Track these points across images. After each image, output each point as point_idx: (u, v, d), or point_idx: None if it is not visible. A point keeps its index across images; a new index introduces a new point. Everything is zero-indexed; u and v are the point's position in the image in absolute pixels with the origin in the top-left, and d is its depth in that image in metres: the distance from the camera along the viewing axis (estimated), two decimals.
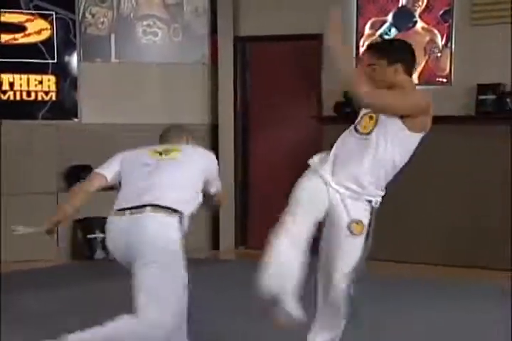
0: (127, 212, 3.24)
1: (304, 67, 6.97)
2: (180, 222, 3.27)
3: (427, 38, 6.41)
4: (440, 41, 6.36)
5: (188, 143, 3.71)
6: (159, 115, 7.01)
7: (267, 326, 3.45)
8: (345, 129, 3.42)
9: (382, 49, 3.32)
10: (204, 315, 4.30)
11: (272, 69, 7.10)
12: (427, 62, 6.42)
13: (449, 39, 6.32)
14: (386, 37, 6.59)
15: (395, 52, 3.29)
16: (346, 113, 6.51)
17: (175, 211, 3.25)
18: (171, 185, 3.35)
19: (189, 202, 3.35)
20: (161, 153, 3.51)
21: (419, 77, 6.43)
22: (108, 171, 3.52)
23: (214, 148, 7.16)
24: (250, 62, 7.19)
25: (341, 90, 6.51)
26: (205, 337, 3.85)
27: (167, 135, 3.77)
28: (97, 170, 3.54)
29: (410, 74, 3.34)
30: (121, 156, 3.57)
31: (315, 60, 6.81)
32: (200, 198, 3.44)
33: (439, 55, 6.35)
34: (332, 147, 3.36)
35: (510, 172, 6.08)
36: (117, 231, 3.27)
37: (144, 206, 3.23)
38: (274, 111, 7.06)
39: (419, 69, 6.44)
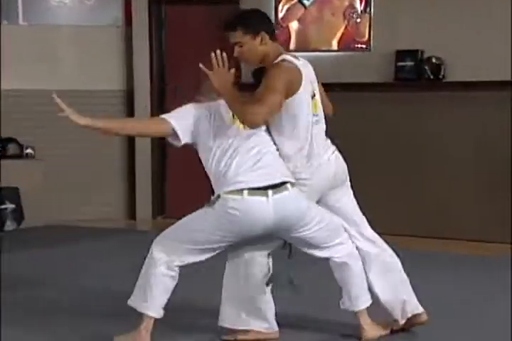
0: (270, 191, 3.09)
1: (221, 32, 6.80)
2: None
3: (346, 3, 6.32)
4: (359, 6, 6.28)
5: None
6: (71, 81, 6.76)
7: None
8: None
9: (241, 23, 3.28)
10: (118, 288, 4.18)
11: (188, 33, 6.92)
12: (346, 27, 6.34)
13: (367, 4, 6.25)
14: (305, 2, 6.48)
15: (254, 22, 3.29)
16: None
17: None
18: (274, 153, 3.25)
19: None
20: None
21: (338, 43, 6.36)
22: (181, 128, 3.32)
23: (130, 114, 6.97)
24: (166, 25, 6.98)
25: None
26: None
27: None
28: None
29: (275, 39, 3.33)
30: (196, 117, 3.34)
31: None
32: None
33: (358, 20, 6.27)
34: None
35: (434, 136, 6.08)
36: (264, 211, 3.10)
37: (283, 183, 3.14)
38: (190, 76, 6.88)
39: (338, 34, 6.37)
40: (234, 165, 3.14)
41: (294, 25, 6.52)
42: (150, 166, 6.96)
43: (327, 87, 3.60)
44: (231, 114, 3.25)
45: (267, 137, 3.28)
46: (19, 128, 6.63)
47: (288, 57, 3.29)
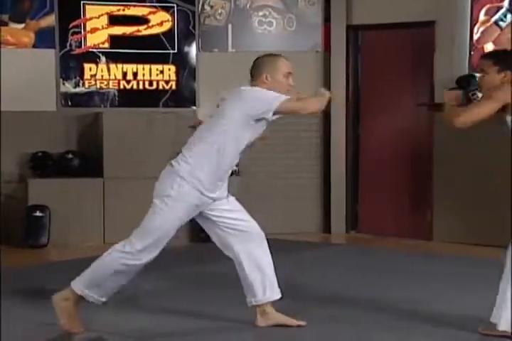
0: None
1: (415, 55, 7.01)
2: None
3: None
4: None
5: (266, 81, 3.79)
6: None
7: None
8: None
9: (496, 56, 3.70)
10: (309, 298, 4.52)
11: (383, 58, 7.17)
12: None
13: None
14: (501, 23, 6.54)
15: (507, 60, 3.65)
16: None
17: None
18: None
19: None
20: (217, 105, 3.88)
21: None
22: None
23: (326, 135, 7.35)
24: (362, 50, 7.29)
25: (454, 77, 6.55)
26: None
27: (251, 69, 3.91)
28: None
29: None
30: None
31: (427, 47, 6.85)
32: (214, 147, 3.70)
33: None
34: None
35: None
36: None
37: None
38: (384, 98, 7.16)
39: None
40: None
41: (489, 47, 6.60)
42: (345, 184, 7.28)
43: None
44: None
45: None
46: None
47: None
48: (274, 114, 3.68)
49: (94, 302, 3.75)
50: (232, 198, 3.87)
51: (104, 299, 3.76)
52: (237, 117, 3.67)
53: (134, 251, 3.65)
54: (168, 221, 3.68)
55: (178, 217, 3.69)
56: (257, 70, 3.83)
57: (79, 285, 3.72)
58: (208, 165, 3.65)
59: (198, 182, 3.65)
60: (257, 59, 3.90)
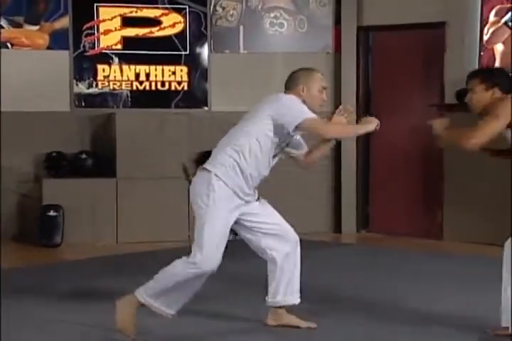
0: None
1: (426, 56, 7.05)
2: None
3: None
4: None
5: (302, 93, 3.81)
6: None
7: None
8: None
9: (482, 74, 3.72)
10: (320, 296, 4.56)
11: (394, 59, 7.21)
12: None
13: None
14: (511, 24, 6.56)
15: (493, 77, 3.64)
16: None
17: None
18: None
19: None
20: None
21: None
22: None
23: None
24: (373, 51, 7.32)
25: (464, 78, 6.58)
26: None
27: (286, 81, 3.91)
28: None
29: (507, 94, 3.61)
30: None
31: (437, 48, 6.88)
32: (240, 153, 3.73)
33: None
34: None
35: None
36: None
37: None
38: (395, 99, 7.19)
39: None
40: None
41: (498, 47, 6.63)
42: (355, 184, 7.33)
43: None
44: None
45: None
46: None
47: None
48: (296, 128, 3.69)
49: (162, 314, 3.74)
50: (263, 201, 3.93)
51: (173, 312, 3.76)
52: (261, 117, 3.72)
53: (196, 261, 3.66)
54: (215, 223, 3.66)
55: (223, 217, 3.68)
56: (293, 82, 3.86)
57: (143, 293, 3.72)
58: (241, 168, 3.70)
59: (233, 182, 3.70)
60: (294, 72, 3.92)
